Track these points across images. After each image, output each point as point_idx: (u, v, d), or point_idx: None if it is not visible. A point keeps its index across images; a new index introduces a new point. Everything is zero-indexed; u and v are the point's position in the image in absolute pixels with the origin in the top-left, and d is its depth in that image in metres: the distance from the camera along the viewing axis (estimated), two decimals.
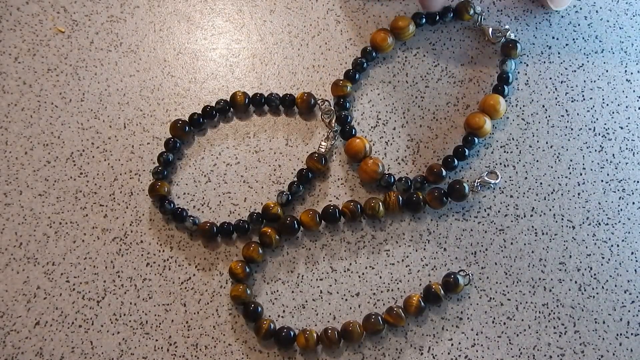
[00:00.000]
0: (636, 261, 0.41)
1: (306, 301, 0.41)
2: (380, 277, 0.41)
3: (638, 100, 0.44)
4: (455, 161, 0.42)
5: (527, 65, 0.45)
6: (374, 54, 0.44)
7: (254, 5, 0.47)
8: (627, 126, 0.43)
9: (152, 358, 0.40)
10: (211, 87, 0.46)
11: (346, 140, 0.43)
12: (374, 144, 0.44)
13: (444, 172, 0.42)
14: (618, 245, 0.41)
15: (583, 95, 0.44)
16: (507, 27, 0.44)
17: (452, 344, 0.40)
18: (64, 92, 0.45)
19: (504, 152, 0.43)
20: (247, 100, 0.44)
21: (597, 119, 0.43)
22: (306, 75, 0.45)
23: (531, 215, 0.42)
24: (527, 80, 0.44)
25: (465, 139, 0.42)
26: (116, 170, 0.44)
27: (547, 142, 0.43)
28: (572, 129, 0.43)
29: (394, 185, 0.42)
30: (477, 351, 0.39)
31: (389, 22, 0.45)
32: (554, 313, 0.40)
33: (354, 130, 0.43)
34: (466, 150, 0.42)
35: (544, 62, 0.45)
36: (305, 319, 0.41)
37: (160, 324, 0.40)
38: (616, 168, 0.42)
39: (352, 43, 0.46)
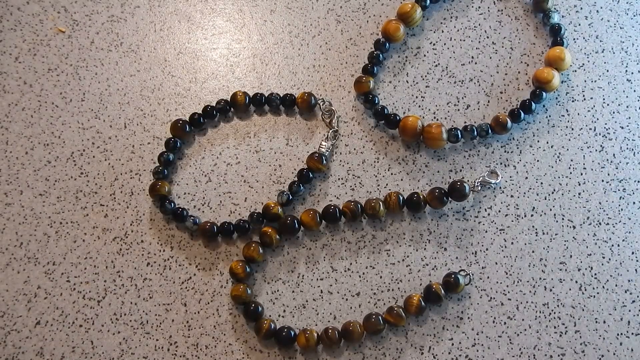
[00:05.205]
0: (637, 261, 0.41)
1: (307, 301, 0.41)
2: (381, 277, 0.41)
3: (638, 100, 0.44)
4: (522, 114, 0.42)
5: (528, 65, 0.45)
6: (387, 45, 0.44)
7: (254, 5, 0.47)
8: (627, 126, 0.43)
9: (153, 358, 0.40)
10: (212, 86, 0.46)
11: (394, 128, 0.43)
12: (374, 144, 0.44)
13: (510, 124, 0.42)
14: (618, 245, 0.41)
15: (583, 95, 0.44)
16: None
17: (452, 344, 0.39)
18: (64, 91, 0.45)
19: (504, 152, 0.43)
20: (247, 100, 0.44)
21: (597, 119, 0.43)
22: (307, 75, 0.45)
23: (531, 215, 0.42)
24: (528, 81, 0.44)
25: (533, 93, 0.43)
26: (117, 170, 0.44)
27: (547, 142, 0.43)
28: (572, 129, 0.43)
29: (462, 136, 0.42)
30: (477, 351, 0.39)
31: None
32: (555, 313, 0.40)
33: (397, 117, 0.43)
34: (533, 103, 0.43)
35: None
36: (306, 319, 0.41)
37: (160, 323, 0.40)
38: (617, 168, 0.42)
39: (353, 43, 0.46)
